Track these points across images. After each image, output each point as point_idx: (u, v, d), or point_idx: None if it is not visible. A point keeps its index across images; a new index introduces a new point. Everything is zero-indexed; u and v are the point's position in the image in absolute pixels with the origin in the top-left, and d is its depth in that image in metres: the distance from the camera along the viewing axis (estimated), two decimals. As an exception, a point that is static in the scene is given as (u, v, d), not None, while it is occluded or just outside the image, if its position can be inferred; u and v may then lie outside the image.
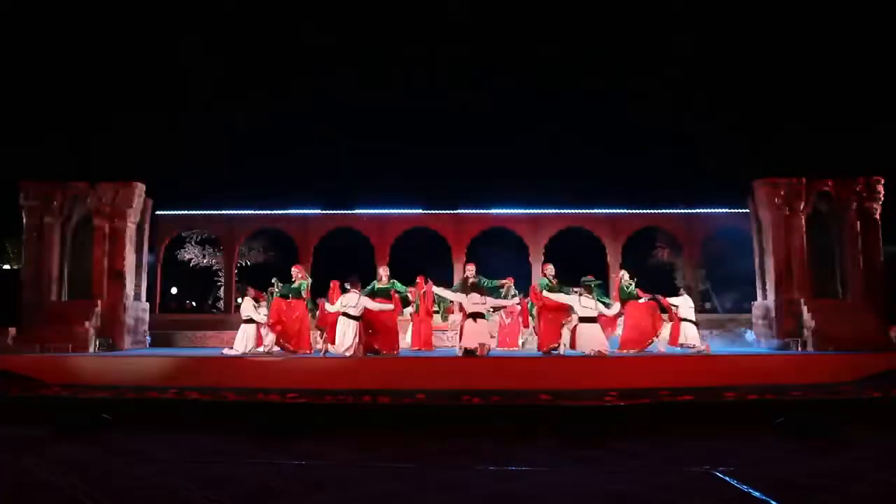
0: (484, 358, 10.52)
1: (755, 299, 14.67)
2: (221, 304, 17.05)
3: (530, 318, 11.90)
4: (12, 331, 12.89)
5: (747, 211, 15.23)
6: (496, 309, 11.92)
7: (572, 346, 10.85)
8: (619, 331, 11.86)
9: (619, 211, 18.76)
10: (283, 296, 11.43)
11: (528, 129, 28.10)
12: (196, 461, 5.43)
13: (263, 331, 11.45)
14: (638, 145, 26.33)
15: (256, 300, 11.69)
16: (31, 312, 13.43)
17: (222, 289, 13.19)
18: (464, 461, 5.37)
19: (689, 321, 11.65)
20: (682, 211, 18.56)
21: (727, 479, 4.59)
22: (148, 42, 25.77)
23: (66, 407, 7.61)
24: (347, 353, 10.39)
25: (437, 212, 18.98)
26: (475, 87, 28.06)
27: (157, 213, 17.25)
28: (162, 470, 4.97)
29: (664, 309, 11.81)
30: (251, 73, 27.78)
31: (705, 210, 18.45)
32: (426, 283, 12.07)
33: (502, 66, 28.31)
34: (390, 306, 11.13)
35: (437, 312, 12.28)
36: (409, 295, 12.06)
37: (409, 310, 12.32)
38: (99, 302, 13.65)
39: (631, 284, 11.98)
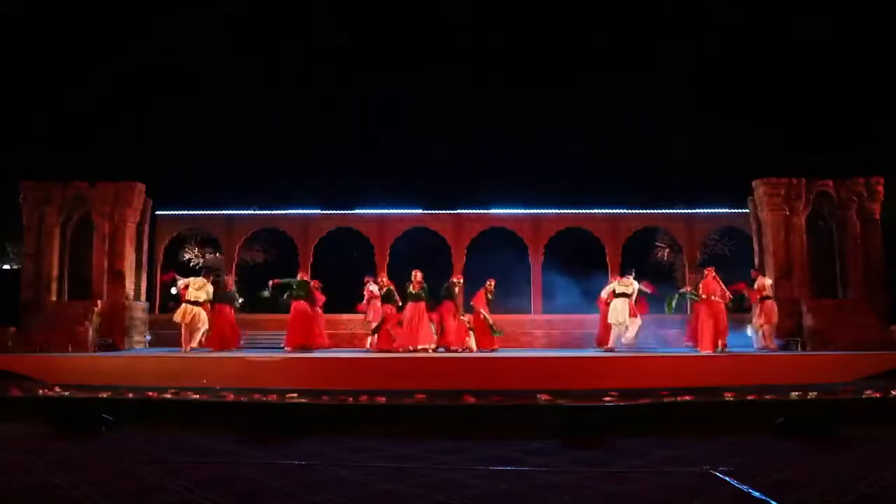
0: (484, 358, 10.55)
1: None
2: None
3: None
4: (12, 331, 12.90)
5: (747, 211, 15.23)
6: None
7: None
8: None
9: (619, 211, 18.78)
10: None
11: (528, 129, 28.09)
12: (196, 461, 5.43)
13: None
14: (638, 145, 26.34)
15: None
16: (31, 312, 13.44)
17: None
18: (464, 461, 5.36)
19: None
20: (682, 211, 18.58)
21: (727, 479, 4.58)
22: (148, 41, 25.76)
23: (66, 407, 7.61)
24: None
25: (437, 212, 19.00)
26: (476, 86, 28.06)
27: (157, 213, 17.26)
28: (162, 470, 4.97)
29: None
30: (252, 74, 27.79)
31: (705, 210, 18.47)
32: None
33: (503, 66, 28.31)
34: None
35: None
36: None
37: None
38: (99, 302, 13.66)
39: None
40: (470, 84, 27.80)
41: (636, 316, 12.05)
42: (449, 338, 12.07)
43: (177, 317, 11.88)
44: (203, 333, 12.04)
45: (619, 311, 11.96)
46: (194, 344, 11.97)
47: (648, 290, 12.46)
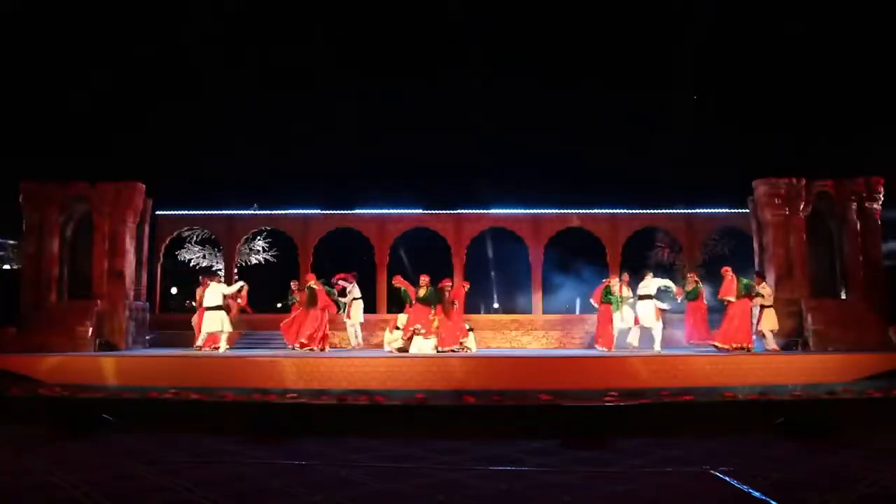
0: (484, 358, 10.58)
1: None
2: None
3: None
4: (12, 331, 12.90)
5: (747, 211, 15.23)
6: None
7: None
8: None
9: (619, 211, 18.77)
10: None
11: (528, 129, 28.10)
12: (196, 461, 5.43)
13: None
14: (638, 145, 26.36)
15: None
16: (31, 312, 13.43)
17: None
18: (464, 461, 5.37)
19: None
20: (682, 211, 18.57)
21: (727, 479, 4.59)
22: (148, 42, 25.77)
23: (66, 407, 7.61)
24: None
25: (437, 212, 19.00)
26: (476, 86, 28.06)
27: (157, 213, 17.26)
28: (162, 470, 4.97)
29: None
30: (252, 74, 27.80)
31: (705, 210, 18.47)
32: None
33: (504, 67, 28.35)
34: None
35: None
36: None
37: None
38: (99, 302, 13.65)
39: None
40: (470, 84, 27.80)
41: (660, 319, 12.31)
42: (442, 338, 12.21)
43: (223, 326, 12.12)
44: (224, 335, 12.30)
45: (645, 314, 12.27)
46: (216, 345, 12.26)
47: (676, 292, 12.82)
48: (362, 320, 13.93)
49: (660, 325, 12.31)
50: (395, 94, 28.21)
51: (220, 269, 19.39)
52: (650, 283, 12.45)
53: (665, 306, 12.73)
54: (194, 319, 13.00)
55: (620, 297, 12.58)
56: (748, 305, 12.04)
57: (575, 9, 27.52)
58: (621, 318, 12.60)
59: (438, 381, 9.13)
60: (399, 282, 12.69)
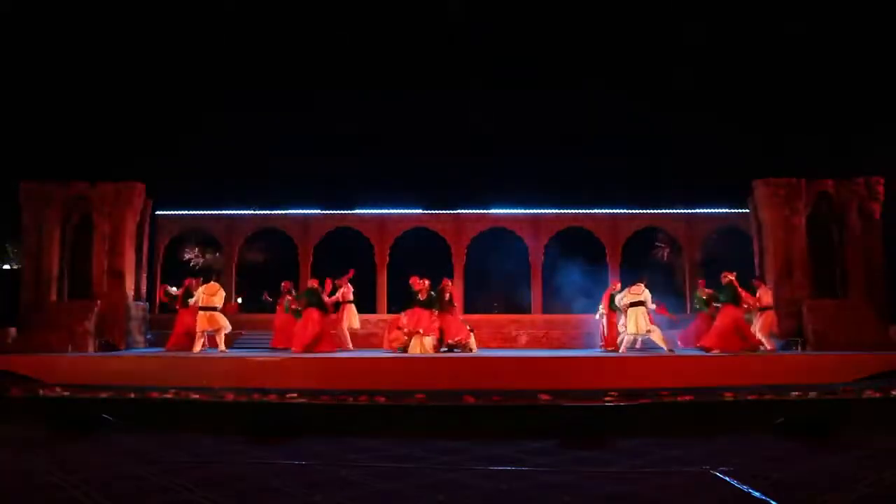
0: (484, 358, 10.61)
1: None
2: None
3: None
4: (12, 331, 12.90)
5: (747, 211, 15.23)
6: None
7: None
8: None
9: (619, 211, 18.77)
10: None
11: (528, 129, 28.07)
12: (196, 461, 5.43)
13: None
14: (638, 145, 26.31)
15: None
16: (31, 312, 13.44)
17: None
18: (464, 461, 5.36)
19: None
20: (682, 211, 18.58)
21: (727, 479, 4.59)
22: (148, 41, 25.77)
23: (66, 407, 7.61)
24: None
25: (437, 212, 19.00)
26: (476, 86, 28.03)
27: (157, 213, 17.27)
28: (162, 470, 4.97)
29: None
30: (252, 74, 27.79)
31: (705, 210, 18.48)
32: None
33: (504, 66, 28.32)
34: None
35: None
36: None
37: None
38: (99, 302, 13.65)
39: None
40: (469, 84, 27.77)
41: (654, 323, 12.16)
42: (448, 332, 12.44)
43: (200, 325, 12.15)
44: (222, 334, 12.34)
45: (637, 321, 11.99)
46: (223, 347, 12.30)
47: (664, 314, 12.80)
48: (356, 325, 13.64)
49: (656, 328, 12.11)
50: (395, 93, 28.18)
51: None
52: (643, 293, 12.19)
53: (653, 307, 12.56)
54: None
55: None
56: (740, 312, 12.06)
57: (575, 9, 27.48)
58: (623, 326, 12.57)
59: (438, 381, 9.13)
60: (416, 283, 12.75)
